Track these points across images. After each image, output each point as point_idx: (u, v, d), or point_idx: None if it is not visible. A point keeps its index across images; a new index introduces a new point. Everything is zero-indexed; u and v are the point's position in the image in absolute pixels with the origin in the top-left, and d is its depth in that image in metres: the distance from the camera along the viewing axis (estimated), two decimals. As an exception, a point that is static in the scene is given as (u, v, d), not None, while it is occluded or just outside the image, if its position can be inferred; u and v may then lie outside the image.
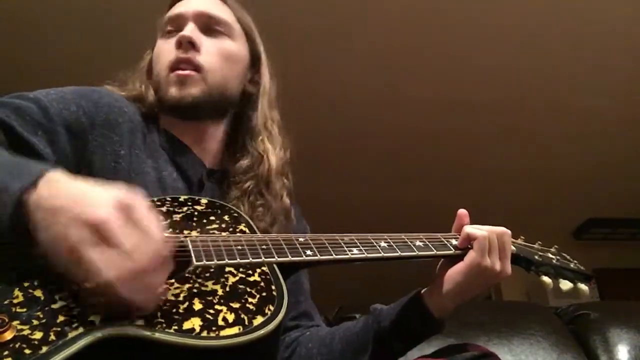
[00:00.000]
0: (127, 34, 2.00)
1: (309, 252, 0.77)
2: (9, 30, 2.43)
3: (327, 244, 0.80)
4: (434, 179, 3.59)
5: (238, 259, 0.71)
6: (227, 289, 0.68)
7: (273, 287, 0.71)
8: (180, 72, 0.95)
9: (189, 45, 0.96)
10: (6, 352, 0.54)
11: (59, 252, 0.57)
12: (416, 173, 3.55)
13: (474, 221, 0.92)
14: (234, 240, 0.75)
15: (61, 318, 0.58)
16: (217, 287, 0.68)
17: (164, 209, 0.82)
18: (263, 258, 0.73)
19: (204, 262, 0.69)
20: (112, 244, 0.56)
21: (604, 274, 3.66)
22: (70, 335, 0.57)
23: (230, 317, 0.64)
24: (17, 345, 0.54)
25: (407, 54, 2.67)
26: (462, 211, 0.93)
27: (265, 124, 1.03)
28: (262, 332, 0.64)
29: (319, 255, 0.77)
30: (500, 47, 2.65)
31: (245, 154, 1.01)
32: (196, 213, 0.83)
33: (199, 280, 0.68)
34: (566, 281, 0.98)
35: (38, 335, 0.56)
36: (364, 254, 0.81)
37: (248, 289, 0.69)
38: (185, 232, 0.78)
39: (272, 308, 0.67)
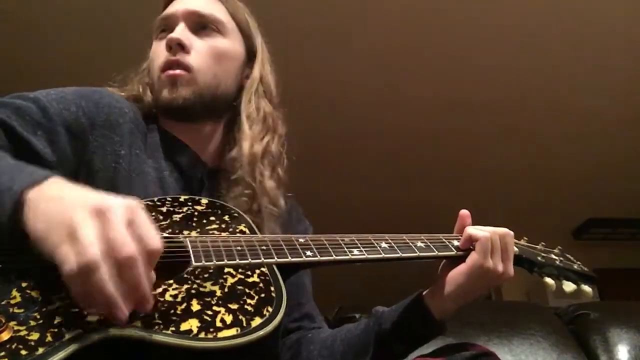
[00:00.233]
0: (127, 34, 1.99)
1: (309, 252, 0.76)
2: (9, 31, 2.43)
3: (327, 245, 0.79)
4: (434, 179, 3.59)
5: (237, 260, 0.71)
6: (226, 290, 0.68)
7: (272, 288, 0.70)
8: (171, 71, 0.95)
9: (178, 47, 0.95)
10: (3, 353, 0.53)
11: (53, 234, 0.55)
12: (416, 173, 3.55)
13: (474, 221, 0.92)
14: (233, 240, 0.75)
15: (58, 319, 0.58)
16: (216, 288, 0.68)
17: (164, 209, 0.82)
18: (262, 259, 0.72)
19: (203, 263, 0.69)
20: (110, 227, 0.55)
21: (604, 274, 3.65)
22: (67, 336, 0.56)
23: (228, 319, 0.64)
24: (13, 346, 0.54)
25: (407, 54, 2.66)
26: (464, 212, 0.92)
27: (249, 114, 1.01)
28: (260, 333, 0.63)
29: (319, 256, 0.76)
30: (500, 47, 2.64)
31: (233, 146, 1.00)
32: (196, 213, 0.83)
33: (198, 281, 0.68)
34: (569, 283, 0.97)
35: (35, 336, 0.56)
36: (364, 254, 0.80)
37: (247, 290, 0.69)
38: (185, 232, 0.77)
39: (270, 309, 0.67)
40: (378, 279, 3.31)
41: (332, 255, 0.78)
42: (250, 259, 0.71)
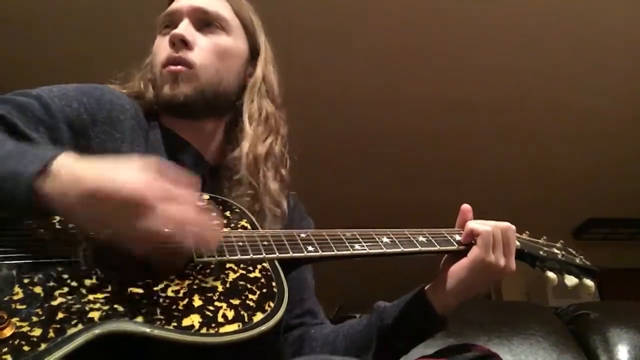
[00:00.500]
0: (127, 33, 2.00)
1: (310, 248, 0.76)
2: (9, 31, 2.43)
3: (328, 240, 0.79)
4: (434, 179, 3.59)
5: (239, 255, 0.71)
6: (228, 285, 0.68)
7: (274, 284, 0.70)
8: (172, 67, 0.95)
9: (181, 43, 0.95)
10: (5, 349, 0.53)
11: (115, 231, 0.63)
12: (416, 173, 3.55)
13: (474, 220, 0.92)
14: (235, 236, 0.75)
15: (60, 315, 0.58)
16: (218, 283, 0.68)
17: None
18: (264, 254, 0.72)
19: (205, 258, 0.69)
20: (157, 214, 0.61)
21: (604, 274, 3.64)
22: (69, 332, 0.57)
23: (230, 314, 0.64)
24: (16, 342, 0.54)
25: (407, 54, 2.66)
26: (466, 206, 0.92)
27: (251, 113, 1.01)
28: (261, 328, 0.63)
29: (320, 252, 0.77)
30: (500, 47, 2.65)
31: (236, 145, 1.00)
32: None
33: (199, 277, 0.68)
34: (571, 277, 0.97)
35: (37, 332, 0.56)
36: (366, 249, 0.80)
37: (248, 286, 0.69)
38: (186, 228, 0.77)
39: (272, 305, 0.67)
40: (380, 274, 3.30)
41: (333, 250, 0.78)
42: (251, 255, 0.72)
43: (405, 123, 3.10)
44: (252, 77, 1.04)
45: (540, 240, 1.01)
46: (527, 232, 1.01)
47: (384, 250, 0.81)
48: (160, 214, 0.61)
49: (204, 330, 0.61)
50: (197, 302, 0.64)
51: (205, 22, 0.99)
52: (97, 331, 0.57)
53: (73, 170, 0.63)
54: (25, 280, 0.61)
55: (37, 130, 0.80)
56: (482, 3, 2.41)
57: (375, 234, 0.84)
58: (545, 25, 2.52)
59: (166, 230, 0.62)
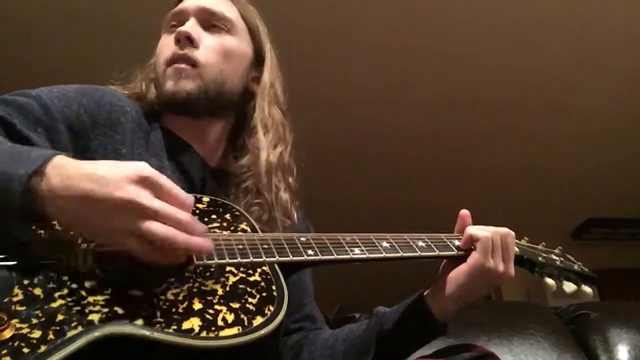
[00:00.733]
0: (129, 35, 2.00)
1: (310, 251, 0.76)
2: (10, 31, 2.43)
3: (328, 244, 0.79)
4: (434, 179, 3.59)
5: (239, 259, 0.71)
6: (228, 288, 0.68)
7: (274, 287, 0.70)
8: (177, 65, 0.95)
9: (186, 41, 0.96)
10: (5, 351, 0.53)
11: (116, 217, 0.61)
12: (416, 173, 3.55)
13: (474, 222, 0.92)
14: (235, 239, 0.75)
15: (60, 317, 0.58)
16: (217, 286, 0.68)
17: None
18: (264, 257, 0.72)
19: (205, 262, 0.69)
20: (162, 192, 0.62)
21: (604, 274, 3.64)
22: (69, 334, 0.56)
23: (230, 318, 0.64)
24: (15, 344, 0.54)
25: (407, 54, 2.66)
26: (465, 212, 0.92)
27: (263, 121, 1.02)
28: (261, 332, 0.63)
29: (320, 255, 0.76)
30: (500, 47, 2.64)
31: (245, 153, 1.00)
32: (197, 211, 0.83)
33: (199, 280, 0.68)
34: (570, 283, 0.97)
35: (37, 334, 0.56)
36: (365, 254, 0.80)
37: (248, 289, 0.69)
38: (186, 230, 0.77)
39: (272, 308, 0.67)
40: (379, 278, 3.30)
41: (333, 255, 0.78)
42: (251, 258, 0.71)
43: (405, 123, 3.10)
44: (257, 82, 1.05)
45: (539, 247, 1.01)
46: (525, 238, 1.02)
47: (384, 254, 0.81)
48: (146, 225, 0.60)
49: (203, 334, 0.61)
50: (197, 305, 0.64)
51: (212, 22, 1.00)
52: (96, 333, 0.57)
53: (66, 171, 0.62)
54: (25, 282, 0.61)
55: (36, 131, 0.79)
56: (481, 3, 2.41)
57: (375, 239, 0.84)
58: (546, 25, 2.52)
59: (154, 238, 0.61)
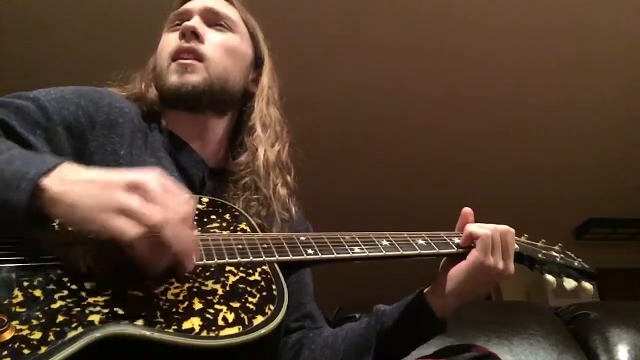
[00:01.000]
0: (128, 35, 2.00)
1: (310, 251, 0.76)
2: (13, 33, 2.43)
3: (328, 243, 0.79)
4: (434, 179, 3.59)
5: (238, 258, 0.71)
6: (228, 288, 0.68)
7: (274, 287, 0.70)
8: (182, 60, 0.96)
9: (192, 35, 0.97)
10: (5, 352, 0.53)
11: (101, 215, 0.60)
12: (416, 173, 3.55)
13: (474, 221, 0.92)
14: (234, 239, 0.75)
15: (60, 318, 0.58)
16: (217, 286, 0.68)
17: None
18: (264, 257, 0.72)
19: (204, 261, 0.69)
20: (151, 198, 0.61)
21: (604, 274, 3.65)
22: (70, 335, 0.56)
23: (230, 317, 0.64)
24: (16, 345, 0.54)
25: (408, 54, 2.67)
26: (467, 209, 0.92)
27: (262, 120, 1.03)
28: (262, 331, 0.63)
29: (320, 254, 0.77)
30: (500, 48, 2.65)
31: (243, 150, 1.01)
32: (197, 212, 0.83)
33: (199, 280, 0.68)
34: (570, 279, 0.97)
35: (37, 335, 0.56)
36: (365, 252, 0.80)
37: (248, 289, 0.69)
38: (186, 231, 0.77)
39: (272, 307, 0.67)
40: (380, 277, 3.30)
41: (333, 253, 0.78)
42: (251, 257, 0.72)
43: (405, 123, 3.10)
44: (255, 84, 1.07)
45: (538, 243, 1.01)
46: (525, 235, 1.02)
47: (384, 253, 0.81)
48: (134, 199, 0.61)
49: (204, 333, 0.61)
50: (197, 305, 0.64)
51: (216, 22, 1.02)
52: (97, 334, 0.57)
53: (77, 170, 0.65)
54: (25, 284, 0.61)
55: (34, 132, 0.80)
56: (483, 4, 2.41)
57: (375, 237, 0.84)
58: (546, 25, 2.53)
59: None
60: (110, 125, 0.88)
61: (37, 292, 0.60)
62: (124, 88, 1.02)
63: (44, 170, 0.62)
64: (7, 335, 0.55)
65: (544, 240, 1.03)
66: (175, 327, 0.61)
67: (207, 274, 0.69)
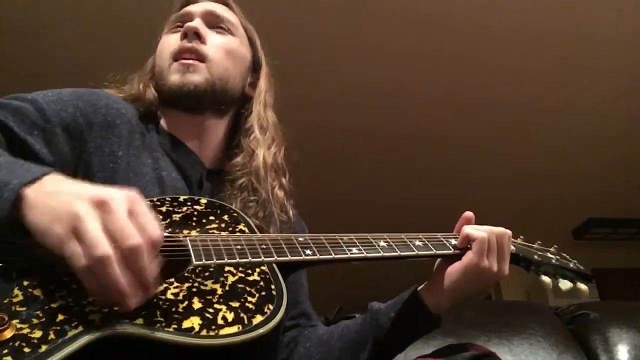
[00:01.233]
0: (128, 35, 2.00)
1: (308, 251, 0.77)
2: (10, 32, 2.44)
3: (326, 244, 0.79)
4: (434, 179, 3.60)
5: (237, 259, 0.71)
6: (227, 288, 0.68)
7: (272, 287, 0.71)
8: (184, 60, 0.96)
9: (194, 35, 0.98)
10: (6, 351, 0.54)
11: (56, 227, 0.56)
12: (416, 173, 3.55)
13: (474, 221, 0.93)
14: (233, 239, 0.75)
15: (61, 317, 0.58)
16: (217, 286, 0.68)
17: (163, 208, 0.82)
18: (262, 257, 0.73)
19: (203, 262, 0.69)
20: (113, 218, 0.56)
21: (604, 274, 3.66)
22: (70, 334, 0.57)
23: (230, 316, 0.64)
24: (16, 344, 0.54)
25: (408, 54, 2.67)
26: (469, 214, 0.93)
27: (260, 123, 1.05)
28: (261, 330, 0.64)
29: (318, 255, 0.77)
30: (500, 48, 2.65)
31: (240, 152, 1.02)
32: (195, 213, 0.83)
33: (199, 280, 0.68)
34: (566, 281, 0.98)
35: (37, 334, 0.56)
36: (363, 253, 0.81)
37: (247, 288, 0.69)
38: (185, 232, 0.78)
39: (271, 307, 0.67)
40: (378, 278, 3.31)
41: (331, 254, 0.78)
42: (250, 258, 0.72)
43: (406, 123, 3.11)
44: (254, 87, 1.08)
45: (534, 245, 1.02)
46: (521, 236, 1.03)
47: (381, 254, 0.82)
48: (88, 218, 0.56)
49: (204, 332, 0.61)
50: (196, 304, 0.65)
51: (216, 24, 1.03)
52: (97, 333, 0.57)
53: (59, 181, 0.63)
54: (25, 283, 0.61)
55: (32, 134, 0.80)
56: (484, 4, 2.42)
57: (373, 238, 0.84)
58: (546, 26, 2.53)
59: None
60: (107, 127, 0.88)
61: (37, 292, 0.61)
62: (121, 89, 1.02)
63: (27, 180, 0.61)
64: (8, 333, 0.55)
65: (539, 242, 1.04)
66: (175, 326, 0.61)
67: (207, 274, 0.70)
